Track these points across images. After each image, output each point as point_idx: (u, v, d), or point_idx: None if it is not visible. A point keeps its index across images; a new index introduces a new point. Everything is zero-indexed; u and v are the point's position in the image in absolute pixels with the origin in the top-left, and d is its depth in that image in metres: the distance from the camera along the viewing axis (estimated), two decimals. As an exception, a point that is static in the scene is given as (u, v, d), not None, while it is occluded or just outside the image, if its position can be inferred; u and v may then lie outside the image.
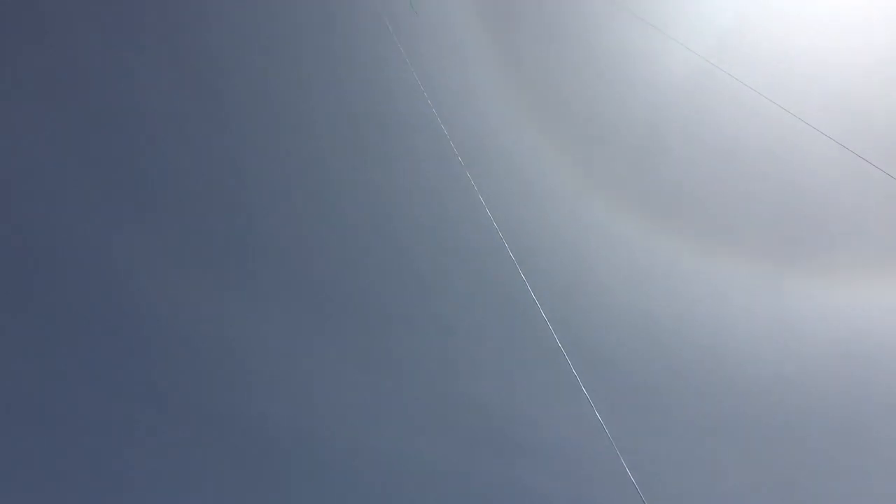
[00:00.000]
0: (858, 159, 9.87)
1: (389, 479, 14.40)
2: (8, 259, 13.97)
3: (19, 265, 14.01)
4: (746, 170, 17.02)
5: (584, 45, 17.23)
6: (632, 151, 17.54)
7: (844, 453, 15.34)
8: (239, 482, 13.82)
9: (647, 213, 17.43)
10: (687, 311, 17.02)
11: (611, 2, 13.79)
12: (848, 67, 16.54)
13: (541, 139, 17.20)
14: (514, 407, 15.30)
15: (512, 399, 15.37)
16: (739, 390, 15.95)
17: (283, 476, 14.10)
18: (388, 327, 15.78)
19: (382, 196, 16.64)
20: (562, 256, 17.29)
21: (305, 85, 16.94)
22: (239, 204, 15.92)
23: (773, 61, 16.53)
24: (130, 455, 13.39)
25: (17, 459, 12.74)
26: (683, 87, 16.68)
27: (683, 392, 16.28)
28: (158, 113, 15.60)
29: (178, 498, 13.44)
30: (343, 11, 16.75)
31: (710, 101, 16.76)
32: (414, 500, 14.36)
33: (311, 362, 15.11)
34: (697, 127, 17.28)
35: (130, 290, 14.64)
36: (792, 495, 14.79)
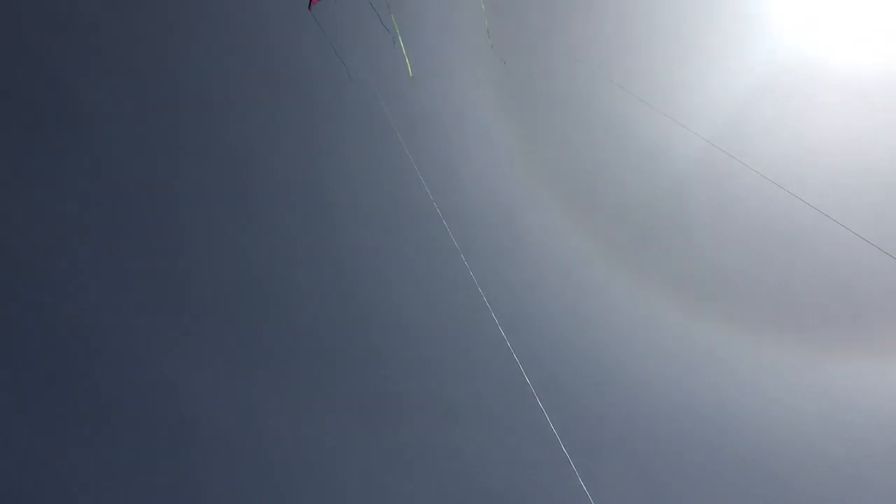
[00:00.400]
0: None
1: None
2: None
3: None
4: (778, 256, 16.80)
5: (601, 131, 17.61)
6: (663, 239, 17.57)
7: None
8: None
9: (685, 300, 17.26)
10: (732, 395, 16.53)
11: (626, 89, 14.16)
12: (867, 155, 16.41)
13: (561, 222, 17.38)
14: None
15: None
16: (788, 475, 15.20)
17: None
18: (395, 413, 15.75)
19: (393, 286, 16.88)
20: (597, 345, 17.11)
21: (309, 177, 17.64)
22: (252, 296, 16.45)
23: (790, 147, 16.55)
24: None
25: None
26: (708, 173, 16.77)
27: (729, 480, 15.61)
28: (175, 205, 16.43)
29: None
30: (345, 101, 17.54)
31: (737, 189, 16.75)
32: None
33: (321, 447, 15.15)
34: (729, 213, 17.24)
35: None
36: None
